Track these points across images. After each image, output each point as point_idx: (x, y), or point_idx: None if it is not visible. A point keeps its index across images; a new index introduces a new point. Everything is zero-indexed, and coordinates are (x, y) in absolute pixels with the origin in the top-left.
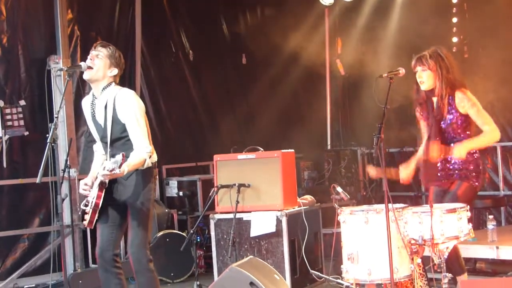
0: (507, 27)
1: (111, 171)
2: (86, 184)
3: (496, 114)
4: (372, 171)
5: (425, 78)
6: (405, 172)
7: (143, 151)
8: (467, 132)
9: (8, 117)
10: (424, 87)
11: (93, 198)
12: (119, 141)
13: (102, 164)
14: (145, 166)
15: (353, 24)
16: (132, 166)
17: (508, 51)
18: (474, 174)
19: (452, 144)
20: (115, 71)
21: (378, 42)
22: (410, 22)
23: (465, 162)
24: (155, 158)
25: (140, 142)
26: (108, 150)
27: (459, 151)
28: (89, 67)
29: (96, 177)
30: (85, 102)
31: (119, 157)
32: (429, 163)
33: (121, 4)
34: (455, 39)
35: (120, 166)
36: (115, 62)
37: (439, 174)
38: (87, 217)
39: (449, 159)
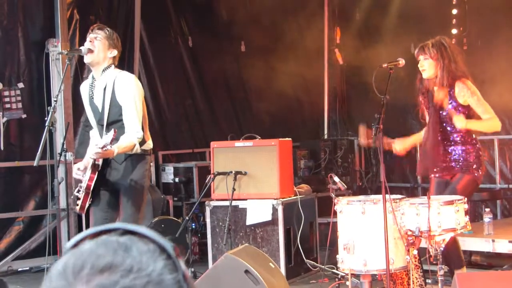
0: (506, 20)
1: (102, 147)
2: (79, 169)
3: (494, 106)
4: (363, 139)
5: (427, 66)
6: (400, 144)
7: (134, 135)
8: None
9: (7, 99)
10: (425, 75)
11: (85, 182)
12: (116, 124)
13: (93, 144)
14: (134, 151)
15: (353, 14)
16: (122, 149)
17: (507, 43)
18: (475, 165)
19: (452, 136)
20: (114, 52)
21: (377, 32)
22: (410, 13)
23: (467, 153)
24: (150, 145)
25: (132, 126)
26: (104, 133)
27: (461, 121)
28: (90, 50)
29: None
30: (84, 86)
31: (110, 132)
32: (428, 152)
33: None
34: (454, 31)
35: (111, 142)
36: (113, 44)
37: (442, 166)
38: (79, 202)
39: (449, 150)
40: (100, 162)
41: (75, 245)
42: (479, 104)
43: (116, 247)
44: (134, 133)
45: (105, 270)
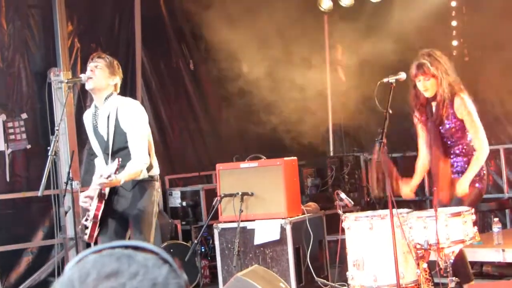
0: (506, 29)
1: (107, 177)
2: (86, 197)
3: (498, 115)
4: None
5: (430, 86)
6: (407, 188)
7: (140, 162)
8: (467, 133)
9: (11, 130)
10: (428, 94)
11: (92, 211)
12: (122, 152)
13: (97, 173)
14: (141, 177)
15: (353, 30)
16: (128, 176)
17: (508, 52)
18: (478, 176)
19: (453, 149)
20: (116, 79)
21: (378, 47)
22: (410, 27)
23: (468, 164)
24: (157, 170)
25: (138, 153)
26: (110, 161)
27: (462, 188)
28: (91, 78)
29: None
30: (87, 115)
31: (114, 162)
32: (433, 169)
33: (121, 16)
34: (455, 43)
35: (116, 171)
36: (114, 71)
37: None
38: (87, 231)
39: (451, 163)
40: (106, 191)
41: (79, 261)
42: (472, 125)
43: (120, 256)
44: (141, 159)
45: (111, 276)
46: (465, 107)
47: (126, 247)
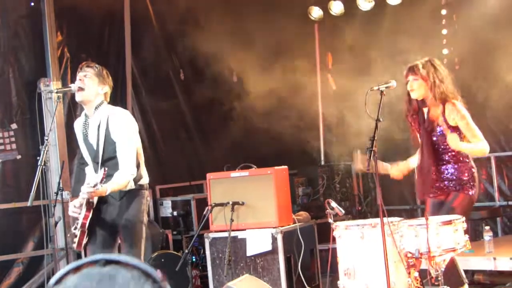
0: (497, 37)
1: (94, 186)
2: (75, 206)
3: (489, 124)
4: (358, 165)
5: (416, 87)
6: (396, 169)
7: (127, 173)
8: None
9: (0, 141)
10: (414, 95)
11: (81, 220)
12: (112, 161)
13: (86, 182)
14: (128, 187)
15: (344, 38)
16: (115, 186)
17: (498, 61)
18: (469, 184)
19: (444, 156)
20: (105, 88)
21: (369, 55)
22: (400, 35)
23: (460, 171)
24: (147, 179)
25: (126, 163)
26: (99, 170)
27: (455, 140)
28: (80, 88)
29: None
30: (77, 124)
31: (100, 172)
32: (423, 175)
33: (110, 25)
34: (445, 51)
35: (101, 181)
36: (103, 80)
37: (435, 185)
38: (76, 239)
39: (442, 169)
40: (94, 200)
41: (58, 281)
42: (468, 128)
43: (100, 278)
44: (128, 170)
45: None
46: (458, 112)
47: (107, 262)
